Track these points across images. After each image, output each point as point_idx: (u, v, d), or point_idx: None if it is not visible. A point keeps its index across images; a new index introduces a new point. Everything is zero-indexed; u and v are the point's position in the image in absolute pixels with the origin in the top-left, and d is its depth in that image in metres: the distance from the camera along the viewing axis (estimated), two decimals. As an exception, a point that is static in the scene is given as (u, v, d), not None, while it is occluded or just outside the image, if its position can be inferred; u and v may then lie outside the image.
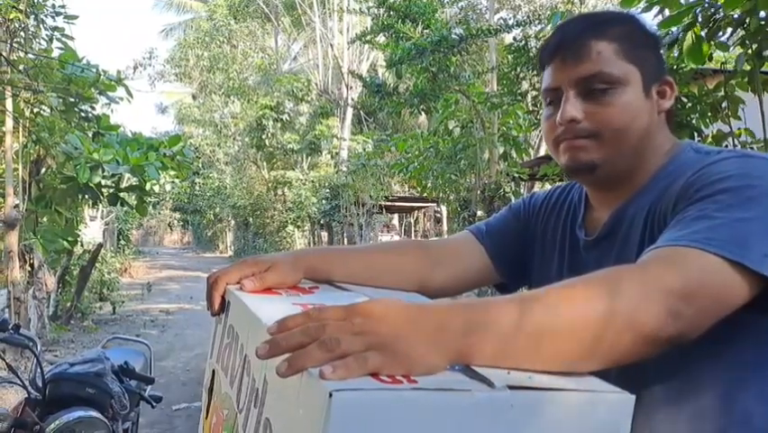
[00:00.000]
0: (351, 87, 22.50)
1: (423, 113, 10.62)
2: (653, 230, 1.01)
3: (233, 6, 27.17)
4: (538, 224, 1.31)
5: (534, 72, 7.90)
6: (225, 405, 0.95)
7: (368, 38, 10.34)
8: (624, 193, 1.12)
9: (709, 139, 3.77)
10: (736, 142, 3.72)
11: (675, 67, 3.58)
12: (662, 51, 1.16)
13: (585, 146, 1.08)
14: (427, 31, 9.13)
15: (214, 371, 1.07)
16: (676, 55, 3.38)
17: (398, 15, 9.31)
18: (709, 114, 3.74)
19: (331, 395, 0.58)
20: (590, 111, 1.07)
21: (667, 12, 3.25)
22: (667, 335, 0.78)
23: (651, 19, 3.34)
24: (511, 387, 0.64)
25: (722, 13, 3.19)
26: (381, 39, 9.95)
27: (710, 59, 3.47)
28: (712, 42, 3.30)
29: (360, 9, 11.83)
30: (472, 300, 0.74)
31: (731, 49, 3.54)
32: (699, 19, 3.21)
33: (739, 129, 3.78)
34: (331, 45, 23.31)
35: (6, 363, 3.23)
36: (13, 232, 8.39)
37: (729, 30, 3.34)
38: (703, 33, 3.24)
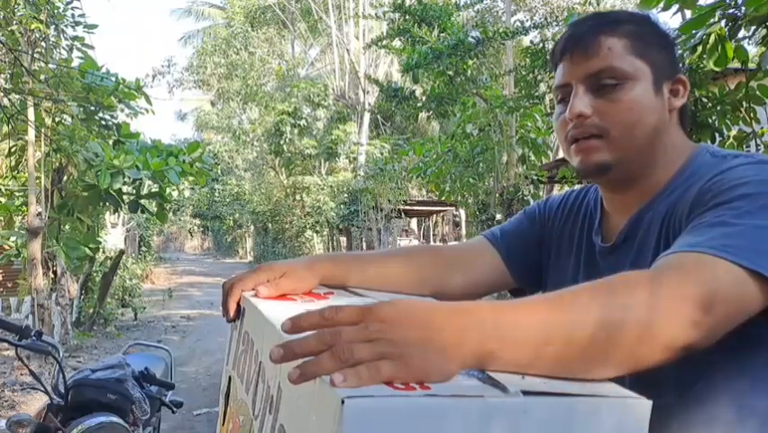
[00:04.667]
0: (367, 92, 22.51)
1: (440, 116, 10.60)
2: (668, 236, 1.00)
3: (249, 13, 27.30)
4: (554, 228, 1.30)
5: (551, 75, 7.87)
6: (242, 411, 0.95)
7: (384, 42, 10.34)
8: (639, 196, 1.11)
9: (731, 140, 3.70)
10: (759, 142, 3.66)
11: (696, 66, 3.54)
12: (677, 51, 1.15)
13: (596, 147, 1.07)
14: (443, 34, 9.12)
15: (230, 377, 1.07)
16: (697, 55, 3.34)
17: (414, 19, 9.32)
18: (730, 115, 3.68)
19: (343, 402, 0.57)
20: (599, 107, 1.06)
21: (687, 13, 3.21)
22: (683, 342, 0.77)
23: (669, 18, 3.30)
24: (525, 392, 0.63)
25: (743, 11, 3.14)
26: (397, 43, 9.95)
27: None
28: (733, 42, 3.25)
29: (375, 14, 11.83)
30: (485, 304, 0.73)
31: (753, 48, 3.49)
32: (718, 18, 3.16)
33: (762, 129, 3.72)
34: (347, 50, 23.34)
35: (29, 370, 3.25)
36: (36, 239, 8.47)
37: (752, 28, 3.29)
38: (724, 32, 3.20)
